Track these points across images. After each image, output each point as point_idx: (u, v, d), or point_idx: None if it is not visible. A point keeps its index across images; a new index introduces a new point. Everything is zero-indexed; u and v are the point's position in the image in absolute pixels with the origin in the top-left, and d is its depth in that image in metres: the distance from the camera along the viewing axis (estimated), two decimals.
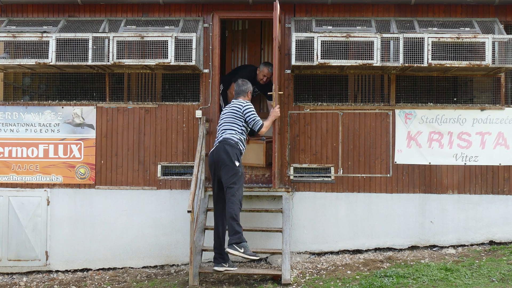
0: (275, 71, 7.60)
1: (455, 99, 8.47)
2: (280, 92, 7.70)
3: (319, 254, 8.11)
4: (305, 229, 8.09)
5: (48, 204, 8.27)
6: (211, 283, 7.17)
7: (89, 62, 7.85)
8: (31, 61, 7.93)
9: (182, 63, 7.79)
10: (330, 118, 8.22)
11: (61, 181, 8.28)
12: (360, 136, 8.19)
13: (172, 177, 8.22)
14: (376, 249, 8.12)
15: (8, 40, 8.02)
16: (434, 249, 8.09)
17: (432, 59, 7.64)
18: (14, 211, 8.26)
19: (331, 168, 8.17)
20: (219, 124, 7.22)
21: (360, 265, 7.55)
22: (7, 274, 8.23)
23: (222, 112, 7.30)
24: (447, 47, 7.65)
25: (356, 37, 7.70)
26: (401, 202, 8.13)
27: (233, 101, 7.29)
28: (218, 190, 7.03)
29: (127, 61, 7.84)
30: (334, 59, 7.70)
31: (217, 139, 7.09)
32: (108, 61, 7.85)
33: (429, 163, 8.15)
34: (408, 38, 7.69)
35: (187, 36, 7.80)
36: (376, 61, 7.69)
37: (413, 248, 8.10)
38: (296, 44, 7.72)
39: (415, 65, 7.69)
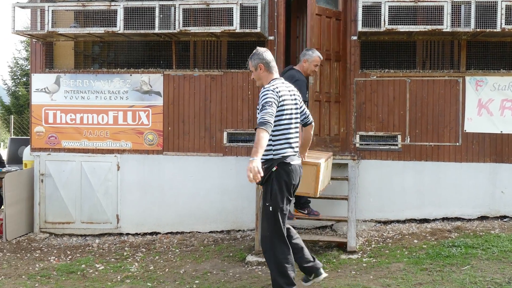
0: None
1: None
2: None
3: (385, 222, 8.06)
4: (371, 197, 8.04)
5: (118, 169, 8.52)
6: None
7: (156, 30, 7.95)
8: (100, 30, 8.09)
9: (247, 30, 7.79)
10: (397, 85, 8.05)
11: (130, 147, 8.50)
12: (428, 104, 8.00)
13: (238, 144, 8.29)
14: (443, 219, 7.98)
15: (78, 9, 8.20)
16: (504, 219, 7.89)
17: (505, 24, 7.34)
18: (87, 176, 8.57)
19: (398, 136, 8.04)
20: (290, 116, 5.20)
21: (427, 235, 7.47)
22: (81, 235, 8.59)
23: (286, 97, 5.17)
24: None
25: (425, 1, 7.46)
26: (470, 172, 7.93)
27: (285, 81, 5.40)
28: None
29: (193, 29, 7.90)
30: (402, 24, 7.51)
31: (297, 143, 5.30)
32: (174, 29, 7.92)
33: (501, 131, 7.90)
34: (480, 2, 7.39)
35: (252, 2, 7.76)
36: (446, 26, 7.46)
37: (482, 218, 7.93)
38: (362, 10, 7.56)
39: (487, 30, 7.41)
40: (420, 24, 7.55)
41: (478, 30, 7.42)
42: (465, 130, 7.94)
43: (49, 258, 7.57)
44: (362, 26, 7.58)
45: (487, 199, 7.93)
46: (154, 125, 8.44)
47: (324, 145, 8.07)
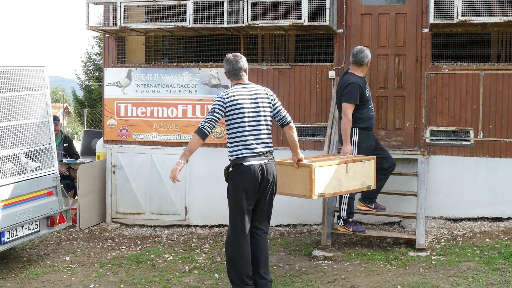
0: None
1: None
2: None
3: (455, 220, 7.83)
4: (440, 194, 7.83)
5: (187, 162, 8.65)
6: (343, 244, 7.20)
7: (225, 24, 7.99)
8: (170, 25, 8.22)
9: (315, 24, 7.73)
10: (470, 79, 7.79)
11: None
12: (504, 98, 7.69)
13: (305, 137, 8.22)
14: None
15: (149, 4, 8.37)
16: None
17: None
18: (156, 168, 8.75)
19: (471, 131, 7.78)
20: (243, 117, 5.39)
21: (500, 234, 7.22)
22: (150, 226, 8.79)
23: (241, 100, 5.39)
24: None
25: None
26: None
27: (253, 85, 5.62)
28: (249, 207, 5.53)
29: (261, 22, 7.92)
30: (476, 16, 7.26)
31: (257, 144, 5.38)
32: (243, 23, 7.95)
33: None
34: None
35: None
36: None
37: None
38: (435, 1, 7.35)
39: None
40: (496, 15, 7.27)
41: None
42: None
43: (120, 247, 7.80)
44: (434, 18, 7.36)
45: None
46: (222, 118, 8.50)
47: None
